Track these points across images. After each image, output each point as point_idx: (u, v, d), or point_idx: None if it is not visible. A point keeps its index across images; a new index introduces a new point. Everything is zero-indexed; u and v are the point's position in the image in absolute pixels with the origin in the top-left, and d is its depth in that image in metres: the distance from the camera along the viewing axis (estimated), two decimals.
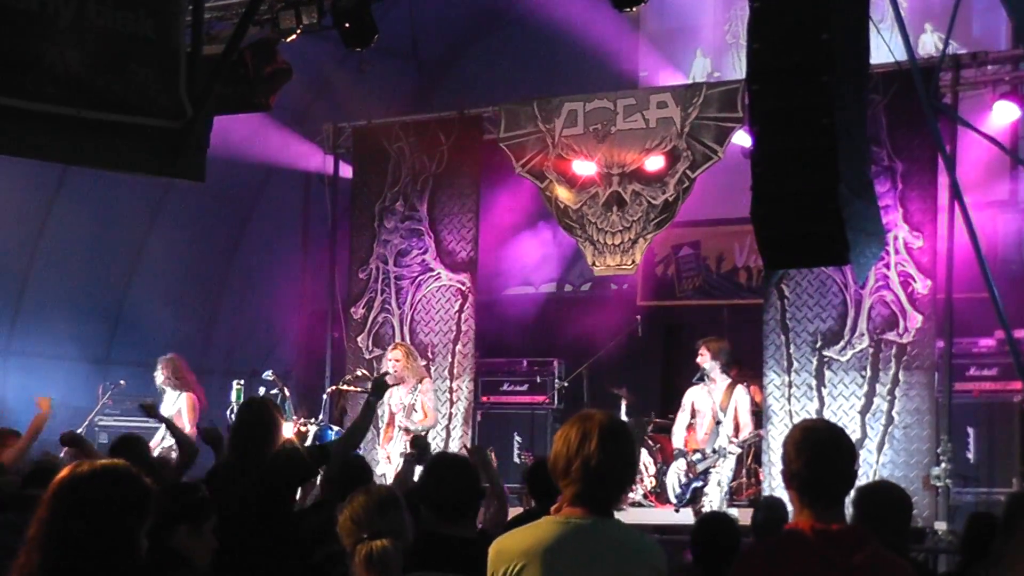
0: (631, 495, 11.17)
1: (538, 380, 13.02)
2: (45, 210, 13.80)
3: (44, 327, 13.79)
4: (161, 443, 10.72)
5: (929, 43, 13.22)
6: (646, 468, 11.63)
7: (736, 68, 13.78)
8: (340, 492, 6.21)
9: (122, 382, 12.50)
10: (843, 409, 10.95)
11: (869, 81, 8.66)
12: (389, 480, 9.97)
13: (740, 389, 11.18)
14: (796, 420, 10.28)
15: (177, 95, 6.48)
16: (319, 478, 7.26)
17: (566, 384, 12.85)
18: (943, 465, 10.39)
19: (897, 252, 10.87)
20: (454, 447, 12.21)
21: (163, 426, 11.19)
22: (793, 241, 7.19)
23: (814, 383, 11.14)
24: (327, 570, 5.61)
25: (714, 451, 11.02)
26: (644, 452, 11.74)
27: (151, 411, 8.38)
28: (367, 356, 13.18)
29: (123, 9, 6.27)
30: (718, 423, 11.09)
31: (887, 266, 10.86)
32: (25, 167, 11.62)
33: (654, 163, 11.99)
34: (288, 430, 10.64)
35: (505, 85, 14.14)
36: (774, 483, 10.33)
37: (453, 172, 13.09)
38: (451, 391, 12.72)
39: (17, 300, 13.92)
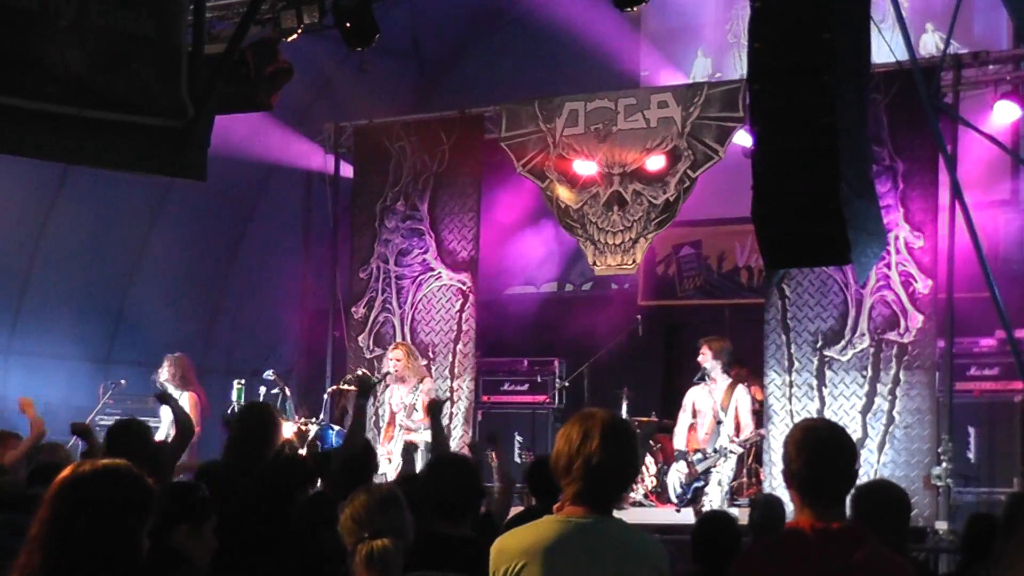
0: (632, 495, 11.17)
1: (539, 380, 13.02)
2: (46, 209, 13.80)
3: (45, 327, 13.79)
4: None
5: (930, 43, 13.22)
6: (647, 468, 11.63)
7: (737, 68, 13.78)
8: (347, 480, 6.24)
9: (123, 381, 12.51)
10: (844, 409, 10.95)
11: (870, 81, 8.65)
12: (391, 479, 9.98)
13: (741, 389, 11.19)
14: (797, 420, 10.27)
15: (178, 94, 6.49)
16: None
17: (567, 384, 12.85)
18: (944, 465, 10.39)
19: (898, 252, 10.87)
20: (455, 446, 12.21)
21: (162, 424, 11.25)
22: (794, 241, 7.20)
23: (815, 383, 11.15)
24: (327, 557, 5.60)
25: (715, 451, 11.03)
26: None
27: (164, 398, 8.38)
28: (368, 356, 13.19)
29: (124, 8, 6.28)
30: (719, 423, 11.10)
31: (888, 266, 10.86)
32: (26, 166, 11.61)
33: (655, 163, 11.99)
34: (288, 430, 10.66)
35: (506, 85, 14.14)
36: (775, 483, 10.33)
37: (454, 172, 13.09)
38: (452, 390, 12.72)
39: (18, 300, 13.92)
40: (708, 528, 5.99)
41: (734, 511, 9.74)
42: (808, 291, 11.27)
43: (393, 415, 11.49)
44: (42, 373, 13.57)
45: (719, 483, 10.98)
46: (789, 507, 5.26)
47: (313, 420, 11.85)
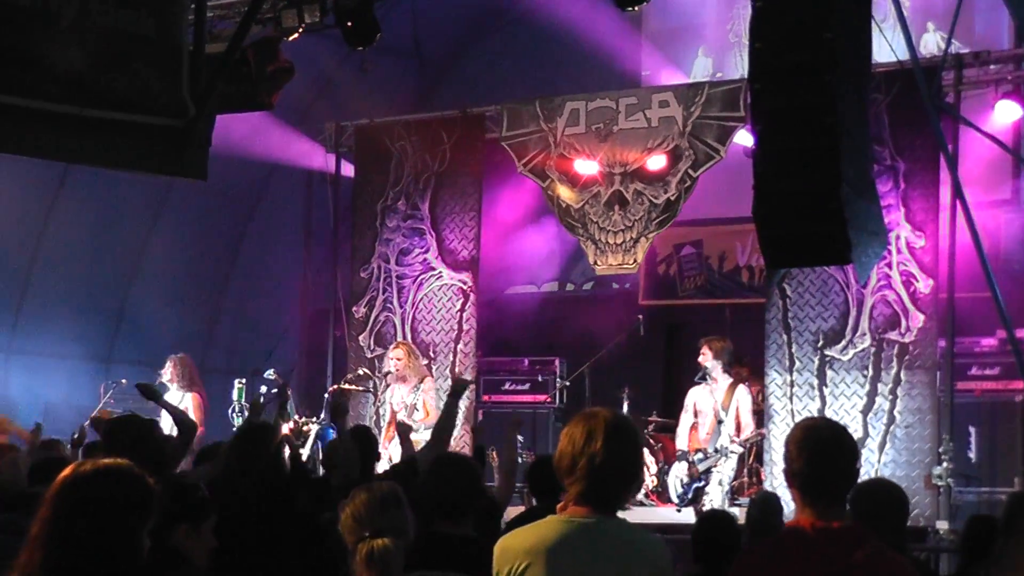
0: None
1: (540, 379, 13.02)
2: (47, 209, 13.80)
3: (46, 326, 13.79)
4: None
5: (931, 42, 13.21)
6: (648, 467, 11.63)
7: (738, 67, 13.78)
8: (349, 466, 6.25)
9: (123, 381, 12.49)
10: (845, 408, 10.95)
11: (871, 80, 8.66)
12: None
13: (742, 388, 11.20)
14: (798, 419, 10.28)
15: (179, 93, 6.49)
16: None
17: (568, 383, 12.85)
18: (945, 464, 10.38)
19: (899, 251, 10.87)
20: (456, 446, 12.20)
21: (163, 424, 11.21)
22: (795, 240, 7.20)
23: (816, 382, 11.14)
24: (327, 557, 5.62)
25: (716, 450, 11.03)
26: (645, 451, 11.75)
27: (149, 392, 7.94)
28: (369, 355, 13.19)
29: (125, 8, 6.28)
30: (720, 422, 11.11)
31: (889, 265, 10.86)
32: (27, 166, 11.62)
33: (656, 162, 11.99)
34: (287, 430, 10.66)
35: (507, 84, 14.15)
36: (776, 482, 10.33)
37: (455, 171, 13.09)
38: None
39: (19, 299, 13.92)
40: (708, 528, 5.99)
41: (735, 511, 9.73)
42: (809, 291, 11.27)
43: (394, 415, 11.48)
44: (43, 372, 13.58)
45: (720, 483, 10.99)
46: (790, 506, 5.26)
47: (314, 420, 11.85)
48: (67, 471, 3.19)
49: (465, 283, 12.91)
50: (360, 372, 12.79)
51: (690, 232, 14.07)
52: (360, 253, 13.47)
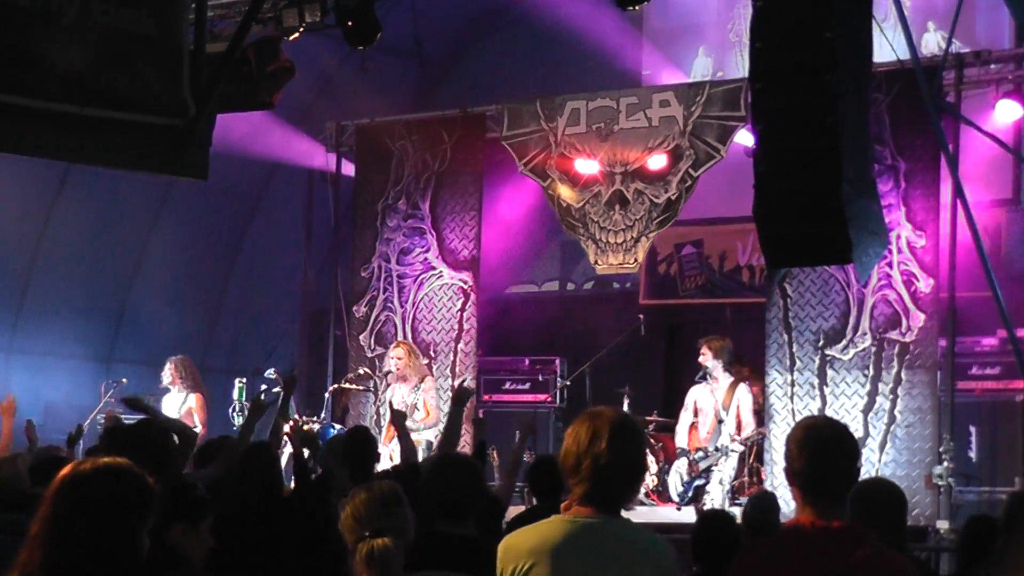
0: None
1: (540, 379, 13.02)
2: (47, 208, 13.80)
3: (47, 326, 13.80)
4: None
5: (932, 42, 13.20)
6: (648, 467, 11.64)
7: (739, 67, 13.76)
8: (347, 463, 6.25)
9: (124, 380, 12.51)
10: (845, 408, 10.95)
11: (872, 80, 8.65)
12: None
13: (742, 387, 11.21)
14: (798, 419, 10.27)
15: (180, 93, 6.49)
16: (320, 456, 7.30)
17: (568, 383, 12.85)
18: (945, 464, 10.38)
19: (900, 251, 10.86)
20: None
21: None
22: (796, 240, 7.20)
23: (816, 382, 11.14)
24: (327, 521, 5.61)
25: (716, 449, 11.04)
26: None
27: (135, 404, 7.95)
28: (369, 354, 13.19)
29: (126, 7, 6.28)
30: (720, 422, 11.11)
31: (890, 265, 10.85)
32: (27, 165, 11.63)
33: (657, 162, 11.99)
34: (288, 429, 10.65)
35: (508, 84, 14.15)
36: (776, 482, 10.33)
37: (456, 170, 13.09)
38: (453, 390, 12.70)
39: (20, 299, 13.93)
40: (709, 527, 5.98)
41: (735, 510, 9.72)
42: (810, 290, 11.27)
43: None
44: (44, 372, 13.59)
45: (720, 482, 10.99)
46: (790, 505, 5.26)
47: (314, 419, 11.85)
48: (66, 470, 3.18)
49: (466, 282, 12.91)
50: (360, 371, 12.78)
51: (691, 232, 14.06)
52: (360, 252, 13.47)
